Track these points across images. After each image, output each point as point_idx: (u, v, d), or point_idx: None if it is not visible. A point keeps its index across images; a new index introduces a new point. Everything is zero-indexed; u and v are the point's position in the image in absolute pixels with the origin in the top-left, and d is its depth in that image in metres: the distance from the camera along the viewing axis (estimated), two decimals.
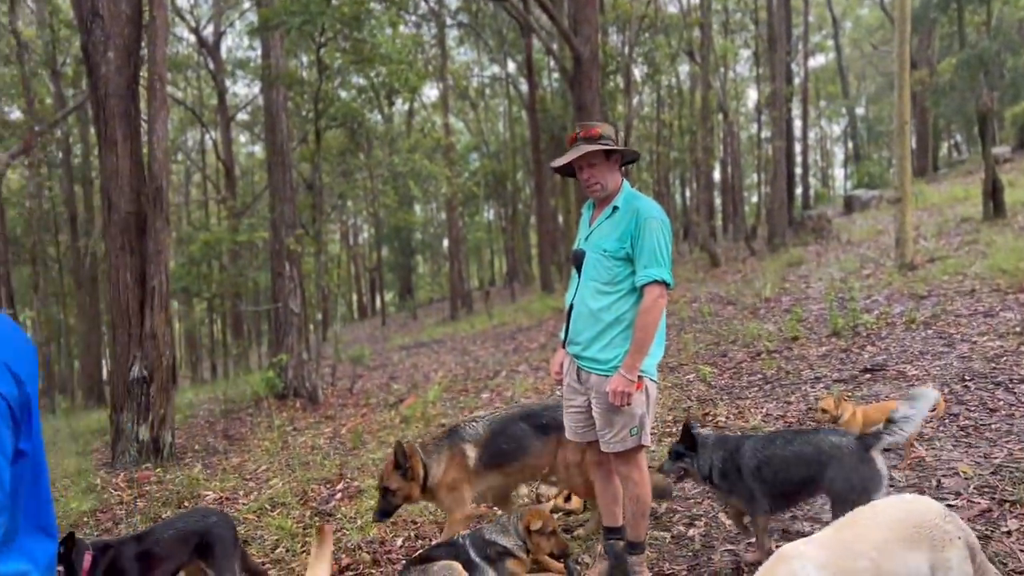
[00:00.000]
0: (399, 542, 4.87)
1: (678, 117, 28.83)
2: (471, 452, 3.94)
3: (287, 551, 5.09)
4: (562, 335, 3.67)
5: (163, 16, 7.89)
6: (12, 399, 1.65)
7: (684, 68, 30.37)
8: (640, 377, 3.33)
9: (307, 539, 5.20)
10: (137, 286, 7.92)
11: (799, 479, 3.47)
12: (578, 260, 3.55)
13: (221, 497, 6.70)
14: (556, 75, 27.22)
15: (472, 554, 3.94)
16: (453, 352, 14.27)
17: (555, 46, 16.45)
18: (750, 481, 3.57)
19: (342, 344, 13.67)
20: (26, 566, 1.80)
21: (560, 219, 25.40)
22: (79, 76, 20.83)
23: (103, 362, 29.69)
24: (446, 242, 42.37)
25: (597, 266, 3.41)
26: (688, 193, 34.17)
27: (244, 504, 6.47)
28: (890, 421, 3.39)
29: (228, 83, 25.34)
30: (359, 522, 5.26)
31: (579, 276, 3.55)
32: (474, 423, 4.09)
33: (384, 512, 4.04)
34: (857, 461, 3.37)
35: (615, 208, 3.42)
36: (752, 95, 42.94)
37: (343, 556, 4.75)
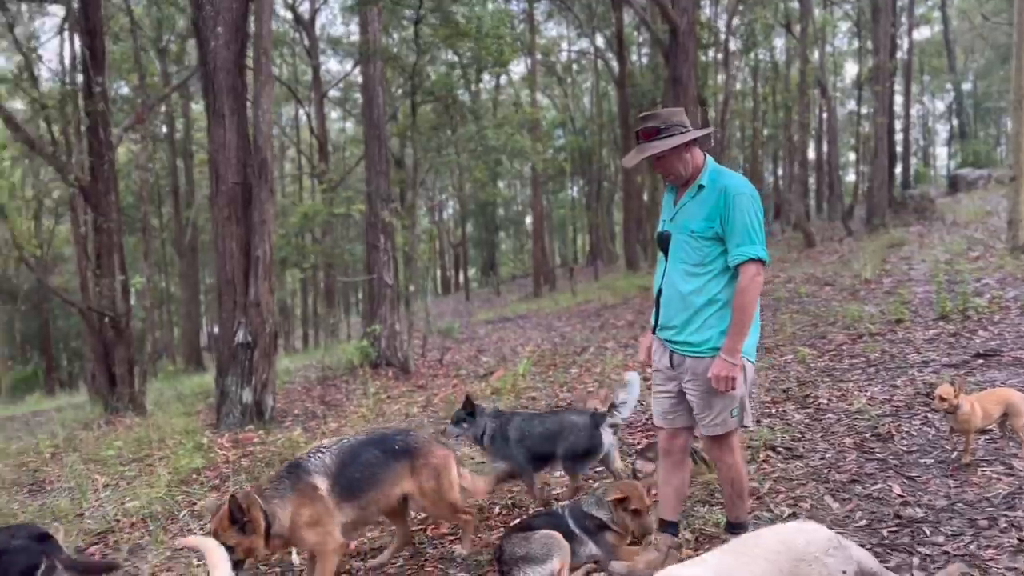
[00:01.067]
0: (496, 509, 4.95)
1: (772, 92, 27.90)
2: (322, 483, 3.56)
3: None
4: (652, 320, 3.61)
5: None
6: None
7: (779, 42, 29.33)
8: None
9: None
10: (242, 255, 8.22)
11: (548, 447, 4.53)
12: (664, 243, 3.48)
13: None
14: (646, 49, 26.74)
15: (571, 524, 3.96)
16: (539, 328, 14.31)
17: (649, 17, 16.14)
18: (514, 448, 4.56)
19: (429, 317, 13.89)
20: None
21: (645, 196, 25.03)
22: (183, 53, 21.67)
23: (202, 329, 31.09)
24: (529, 219, 42.48)
25: (685, 247, 3.34)
26: (780, 171, 33.13)
27: None
28: (612, 405, 4.51)
29: (321, 59, 25.86)
30: None
31: (666, 259, 3.46)
32: (319, 453, 3.69)
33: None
34: (588, 434, 4.49)
35: (700, 187, 3.34)
36: (851, 70, 41.19)
37: (442, 522, 4.85)
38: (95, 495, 6.59)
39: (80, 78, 12.81)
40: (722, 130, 21.80)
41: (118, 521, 5.88)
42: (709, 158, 3.44)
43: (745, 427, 3.53)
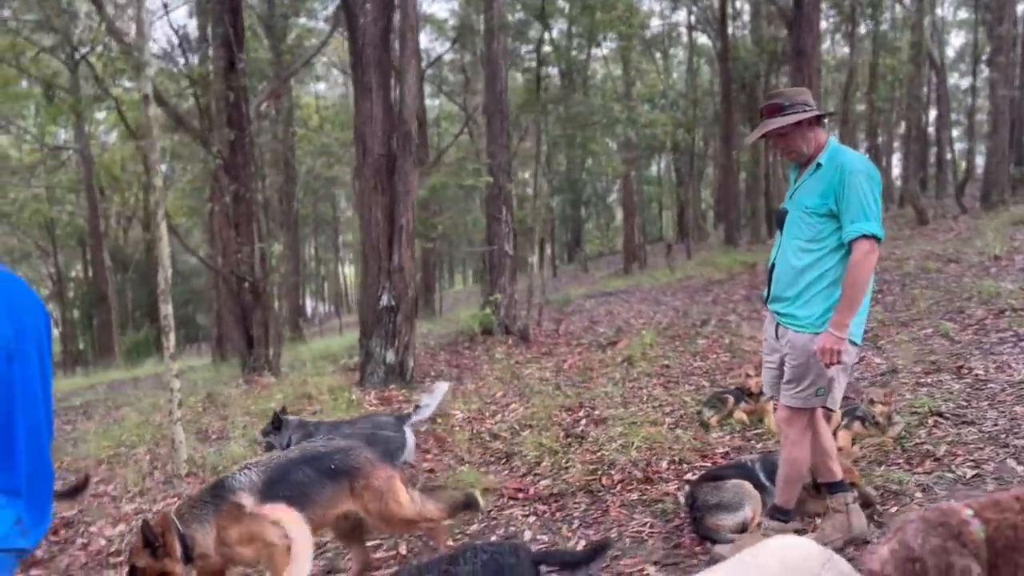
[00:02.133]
0: (664, 464, 5.18)
1: (876, 65, 26.93)
2: (247, 501, 3.38)
3: (551, 466, 5.54)
4: (764, 293, 3.69)
5: None
6: None
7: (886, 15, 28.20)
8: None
9: (569, 455, 5.64)
10: (387, 223, 8.63)
11: None
12: (780, 219, 3.58)
13: (468, 416, 7.32)
14: (747, 18, 26.15)
15: (762, 477, 4.15)
16: (645, 302, 14.41)
17: None
18: None
19: (544, 287, 14.11)
20: None
21: (744, 174, 24.65)
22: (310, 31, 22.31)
23: (302, 299, 32.19)
24: (613, 196, 42.21)
25: (800, 223, 3.41)
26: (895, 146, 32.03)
27: (492, 424, 7.04)
28: (416, 407, 5.23)
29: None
30: (615, 444, 5.60)
31: (781, 234, 3.55)
32: (246, 471, 3.53)
33: None
34: (393, 434, 4.98)
35: (819, 165, 3.39)
36: (955, 41, 39.32)
37: (615, 472, 5.11)
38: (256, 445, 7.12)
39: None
40: (845, 104, 21.20)
41: None
42: (832, 138, 3.49)
43: (828, 408, 3.54)
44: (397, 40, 8.73)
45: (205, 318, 43.67)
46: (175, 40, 13.90)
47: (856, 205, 3.21)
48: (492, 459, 5.99)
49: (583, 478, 5.10)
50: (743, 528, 3.93)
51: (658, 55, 34.62)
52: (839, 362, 3.25)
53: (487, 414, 7.37)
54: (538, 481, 5.29)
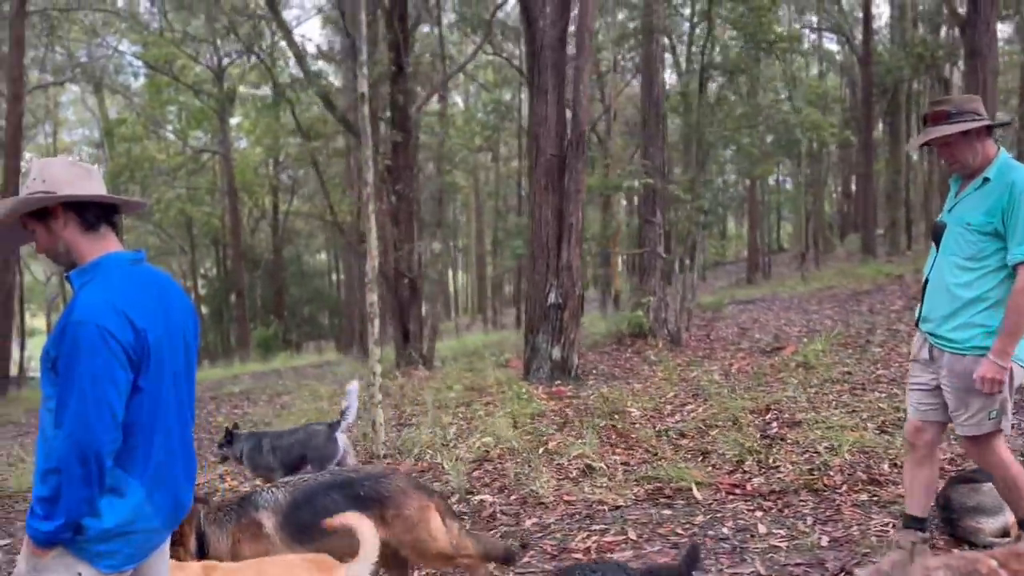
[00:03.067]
0: (885, 467, 5.07)
1: None
2: (268, 521, 3.37)
3: (756, 464, 5.51)
4: (916, 312, 3.50)
5: None
6: (127, 344, 2.05)
7: None
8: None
9: (773, 455, 5.59)
10: (556, 222, 8.77)
11: (297, 455, 5.54)
12: (937, 233, 3.39)
13: (644, 414, 7.34)
14: (886, 19, 25.19)
15: None
16: (791, 311, 14.07)
17: None
18: (267, 458, 5.57)
19: (695, 291, 13.93)
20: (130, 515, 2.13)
21: (882, 181, 23.72)
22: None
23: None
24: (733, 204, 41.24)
25: (959, 240, 3.23)
26: None
27: (673, 422, 7.04)
28: (341, 413, 5.65)
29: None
30: (824, 445, 5.51)
31: (937, 250, 3.37)
32: (274, 489, 3.50)
33: None
34: (325, 441, 5.55)
35: (985, 179, 3.19)
36: None
37: (833, 473, 5.04)
38: (442, 431, 7.37)
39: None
40: (1021, 109, 20.12)
41: (487, 452, 6.57)
42: (1003, 151, 3.28)
43: (1001, 431, 3.32)
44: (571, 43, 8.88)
45: (325, 316, 45.41)
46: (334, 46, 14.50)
47: None
48: (687, 456, 6.00)
49: (800, 477, 5.04)
50: (1004, 533, 3.81)
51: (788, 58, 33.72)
52: (1000, 391, 3.10)
53: (664, 413, 7.37)
54: (749, 479, 5.26)
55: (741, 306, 16.28)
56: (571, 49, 8.91)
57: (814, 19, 28.18)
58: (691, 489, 5.12)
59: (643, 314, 10.98)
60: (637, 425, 6.99)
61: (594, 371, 9.44)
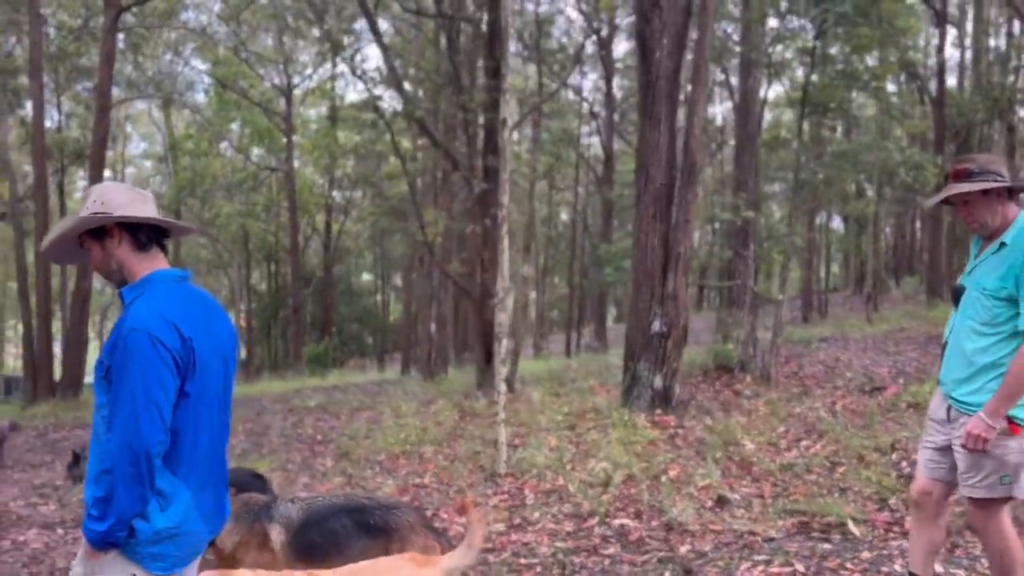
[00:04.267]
0: None
1: None
2: (276, 535, 3.39)
3: (901, 504, 5.43)
4: (940, 371, 3.46)
5: (713, 3, 8.63)
6: (175, 350, 2.18)
7: None
8: (1020, 423, 3.08)
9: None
10: (662, 250, 8.79)
11: None
12: (956, 295, 3.38)
13: (759, 447, 7.29)
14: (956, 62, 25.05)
15: None
16: (870, 351, 13.88)
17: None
18: None
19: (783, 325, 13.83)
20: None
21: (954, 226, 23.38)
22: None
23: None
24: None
25: (975, 304, 3.21)
26: None
27: (791, 456, 6.98)
28: None
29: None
30: None
31: (956, 312, 3.35)
32: (290, 503, 3.55)
33: None
34: None
35: (1002, 244, 3.18)
36: None
37: None
38: (555, 453, 7.38)
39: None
40: None
41: (608, 477, 6.56)
42: (1022, 213, 3.25)
43: (1014, 497, 3.23)
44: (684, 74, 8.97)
45: (367, 335, 45.72)
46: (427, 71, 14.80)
47: None
48: (822, 491, 5.93)
49: (954, 520, 4.96)
50: None
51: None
52: (984, 450, 3.08)
53: (780, 447, 7.31)
54: (901, 516, 5.18)
55: (814, 344, 16.12)
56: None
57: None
58: (844, 524, 5.07)
59: (733, 347, 10.91)
60: (754, 459, 6.94)
61: (692, 402, 9.39)
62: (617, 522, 5.50)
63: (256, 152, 35.67)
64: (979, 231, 3.32)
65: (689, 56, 9.36)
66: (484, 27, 11.72)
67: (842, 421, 8.05)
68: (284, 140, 30.97)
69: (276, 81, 30.89)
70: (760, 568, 4.47)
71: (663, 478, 6.47)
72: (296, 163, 36.76)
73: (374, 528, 3.43)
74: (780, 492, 6.03)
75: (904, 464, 6.33)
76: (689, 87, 9.06)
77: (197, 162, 31.40)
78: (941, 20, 20.81)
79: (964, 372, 3.23)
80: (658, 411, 8.65)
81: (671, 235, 8.78)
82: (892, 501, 5.48)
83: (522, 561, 4.95)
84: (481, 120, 12.25)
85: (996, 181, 3.20)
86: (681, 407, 8.88)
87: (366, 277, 49.94)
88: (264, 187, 36.34)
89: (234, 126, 34.33)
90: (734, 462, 6.84)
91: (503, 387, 6.81)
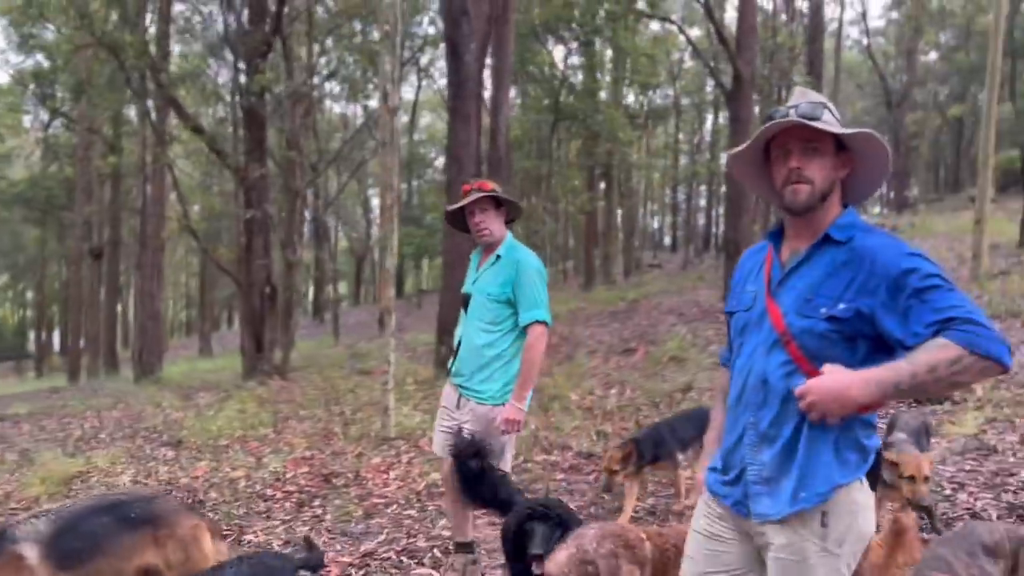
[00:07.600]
0: None
1: None
2: (30, 552, 3.10)
3: None
4: (449, 365, 3.97)
5: (512, 15, 9.85)
6: None
7: None
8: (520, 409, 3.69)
9: None
10: None
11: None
12: (465, 301, 3.89)
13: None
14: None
15: None
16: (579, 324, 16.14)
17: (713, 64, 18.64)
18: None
19: None
20: None
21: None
22: None
23: None
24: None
25: (481, 308, 3.76)
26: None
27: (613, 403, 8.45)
28: None
29: None
30: None
31: (466, 315, 3.86)
32: (34, 520, 3.28)
33: None
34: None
35: (498, 257, 3.76)
36: None
37: None
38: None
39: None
40: None
41: None
42: (509, 233, 3.88)
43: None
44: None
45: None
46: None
47: (530, 296, 3.66)
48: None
49: None
50: None
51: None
52: (520, 431, 3.74)
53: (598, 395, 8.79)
54: None
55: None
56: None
57: None
58: None
59: None
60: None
61: None
62: None
63: None
64: (487, 239, 3.80)
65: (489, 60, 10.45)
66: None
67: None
68: None
69: None
70: None
71: None
72: None
73: (137, 520, 3.34)
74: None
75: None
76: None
77: None
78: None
79: (475, 365, 3.75)
80: None
81: None
82: None
83: None
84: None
85: (495, 194, 3.77)
86: None
87: None
88: None
89: None
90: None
91: (392, 357, 7.21)
